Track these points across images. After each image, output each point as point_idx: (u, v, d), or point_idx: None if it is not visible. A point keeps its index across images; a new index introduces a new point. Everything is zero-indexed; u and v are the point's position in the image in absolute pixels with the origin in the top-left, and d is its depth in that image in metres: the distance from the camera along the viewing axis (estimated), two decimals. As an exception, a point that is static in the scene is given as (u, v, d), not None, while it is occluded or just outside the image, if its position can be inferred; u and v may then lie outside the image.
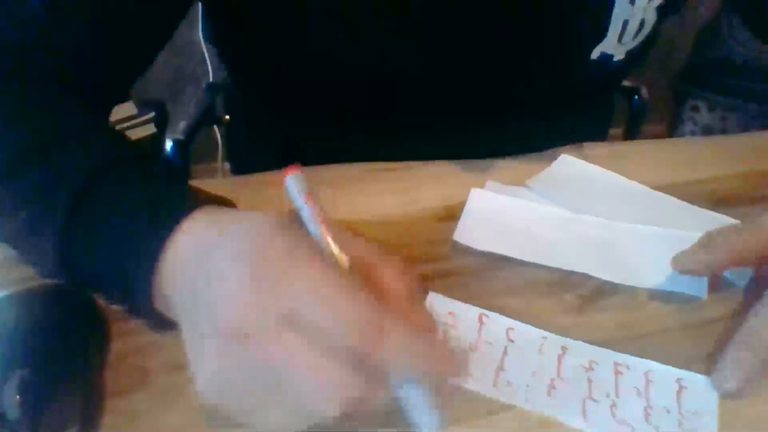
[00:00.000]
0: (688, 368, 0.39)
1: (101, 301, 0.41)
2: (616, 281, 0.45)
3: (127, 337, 0.40)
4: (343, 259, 0.32)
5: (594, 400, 0.37)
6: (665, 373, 0.39)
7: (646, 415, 0.37)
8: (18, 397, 0.33)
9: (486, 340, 0.41)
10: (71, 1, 0.46)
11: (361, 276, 0.32)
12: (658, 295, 0.44)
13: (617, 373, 0.39)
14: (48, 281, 0.42)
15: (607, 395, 0.37)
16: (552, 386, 0.38)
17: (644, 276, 0.46)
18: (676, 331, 0.42)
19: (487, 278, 0.45)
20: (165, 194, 0.38)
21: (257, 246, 0.31)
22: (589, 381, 0.38)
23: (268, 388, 0.30)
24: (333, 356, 0.29)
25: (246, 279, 0.30)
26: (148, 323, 0.40)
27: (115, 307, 0.40)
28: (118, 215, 0.37)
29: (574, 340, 0.41)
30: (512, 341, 0.41)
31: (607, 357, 0.40)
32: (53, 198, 0.39)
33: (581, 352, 0.40)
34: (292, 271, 0.30)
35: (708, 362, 0.40)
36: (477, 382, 0.38)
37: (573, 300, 0.44)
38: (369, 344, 0.29)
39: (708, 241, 0.42)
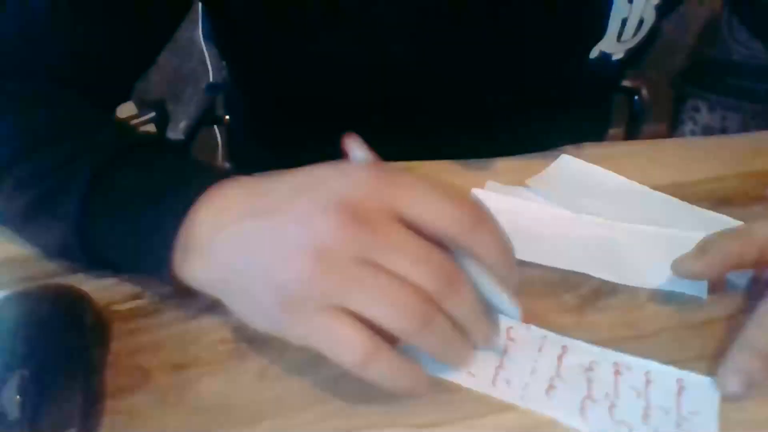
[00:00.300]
0: (689, 368, 0.39)
1: (101, 302, 0.41)
2: (616, 281, 0.45)
3: (127, 337, 0.40)
4: None
5: (593, 400, 0.37)
6: (665, 374, 0.39)
7: (645, 416, 0.36)
8: (18, 397, 0.33)
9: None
10: (72, 0, 0.46)
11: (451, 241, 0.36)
12: (658, 295, 0.44)
13: (617, 373, 0.39)
14: (48, 281, 0.42)
15: (606, 395, 0.37)
16: (551, 386, 0.38)
17: (644, 276, 0.46)
18: (676, 331, 0.42)
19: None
20: (189, 165, 0.41)
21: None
22: (589, 381, 0.38)
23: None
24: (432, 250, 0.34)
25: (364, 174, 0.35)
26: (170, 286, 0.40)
27: (115, 307, 0.40)
28: (141, 187, 0.40)
29: (575, 339, 0.41)
30: (512, 340, 0.40)
31: (607, 357, 0.40)
32: (71, 176, 0.40)
33: (581, 351, 0.40)
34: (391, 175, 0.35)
35: (708, 362, 0.40)
36: (475, 380, 0.38)
37: (573, 300, 0.44)
38: (468, 232, 0.35)
39: (705, 247, 0.42)
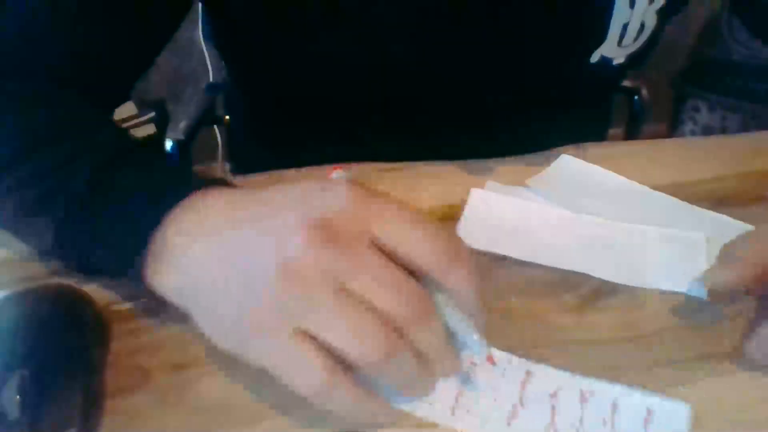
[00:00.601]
0: (690, 368, 0.39)
1: (101, 301, 0.41)
2: (616, 281, 0.45)
3: (127, 337, 0.40)
4: None
5: (556, 430, 0.36)
6: (632, 400, 0.37)
7: None
8: (18, 397, 0.33)
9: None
10: (71, 1, 0.46)
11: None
12: (658, 295, 0.44)
13: (583, 400, 0.37)
14: (48, 281, 0.42)
15: (572, 425, 0.36)
16: (513, 414, 0.36)
17: (644, 276, 0.46)
18: (676, 331, 0.42)
19: (487, 278, 0.45)
20: (174, 172, 0.40)
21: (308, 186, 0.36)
22: (553, 408, 0.36)
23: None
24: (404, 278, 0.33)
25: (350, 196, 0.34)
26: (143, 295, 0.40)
27: (115, 307, 0.40)
28: (120, 193, 0.39)
29: (538, 363, 0.39)
30: (474, 364, 0.38)
31: (573, 383, 0.38)
32: (60, 181, 0.40)
33: (546, 377, 0.38)
34: (374, 200, 0.34)
35: (708, 362, 0.40)
36: (434, 410, 0.36)
37: (573, 300, 0.44)
38: (445, 266, 0.34)
39: (732, 255, 0.41)
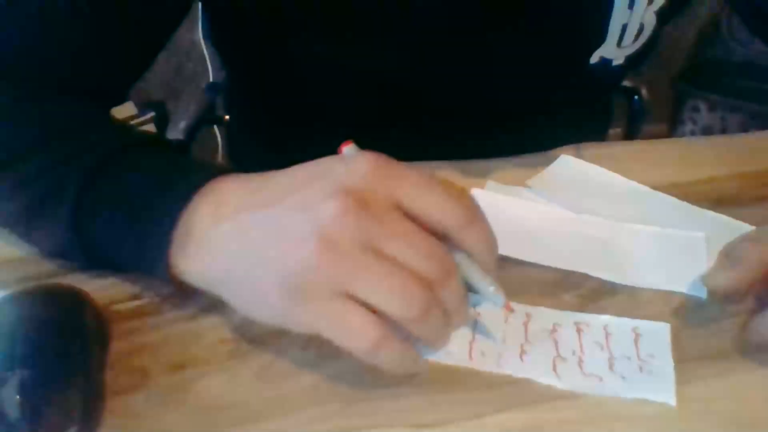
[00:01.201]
0: (690, 368, 0.39)
1: (101, 301, 0.41)
2: (616, 281, 0.45)
3: (127, 337, 0.40)
4: None
5: (562, 358, 0.40)
6: (621, 324, 0.42)
7: (611, 366, 0.39)
8: (18, 397, 0.33)
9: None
10: (70, 2, 0.46)
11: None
12: (658, 295, 0.44)
13: (579, 330, 0.41)
14: (48, 281, 0.42)
15: (573, 353, 0.40)
16: (523, 351, 0.40)
17: (644, 276, 0.46)
18: (676, 331, 0.42)
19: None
20: (186, 163, 0.41)
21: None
22: (555, 342, 0.41)
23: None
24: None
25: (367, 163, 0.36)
26: (163, 280, 0.40)
27: (115, 307, 0.40)
28: (137, 185, 0.40)
29: (535, 306, 0.43)
30: (479, 314, 0.42)
31: (567, 318, 0.42)
32: (65, 177, 0.40)
33: (543, 316, 0.43)
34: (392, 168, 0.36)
35: (709, 362, 0.40)
36: (453, 356, 0.40)
37: (573, 300, 0.44)
38: (464, 226, 0.36)
39: (731, 258, 0.42)
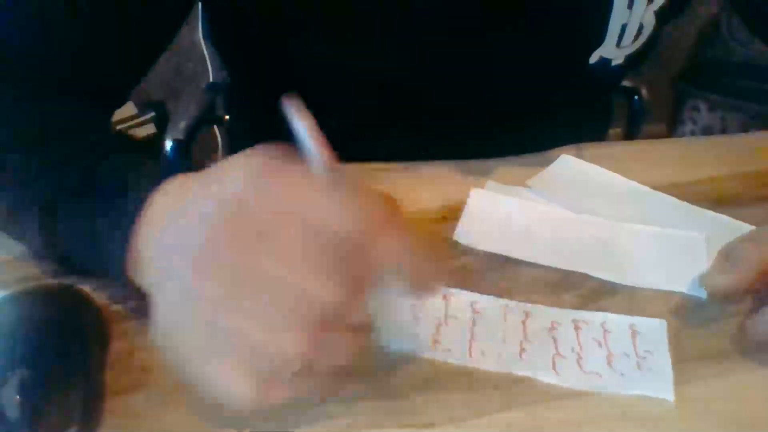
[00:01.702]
0: (690, 368, 0.39)
1: (101, 301, 0.41)
2: (616, 281, 0.45)
3: (127, 337, 0.40)
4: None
5: (562, 356, 0.40)
6: (619, 322, 0.42)
7: (609, 362, 0.40)
8: (18, 397, 0.33)
9: (453, 316, 0.42)
10: (70, 3, 0.46)
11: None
12: (658, 295, 0.44)
13: (577, 328, 0.42)
14: (48, 281, 0.42)
15: (572, 350, 0.40)
16: (522, 349, 0.40)
17: (644, 276, 0.46)
18: (677, 330, 0.42)
19: (487, 278, 0.45)
20: (140, 173, 0.39)
21: (240, 168, 0.33)
22: (554, 339, 0.41)
23: (230, 325, 0.30)
24: (323, 252, 0.30)
25: (241, 185, 0.31)
26: (132, 300, 0.40)
27: (115, 307, 0.40)
28: (91, 197, 0.39)
29: (533, 304, 0.43)
30: (478, 313, 0.43)
31: (566, 316, 0.42)
32: (33, 192, 0.40)
33: (542, 314, 0.43)
34: (289, 176, 0.32)
35: (708, 362, 0.40)
36: (453, 354, 0.40)
37: (573, 300, 0.44)
38: (369, 236, 0.30)
39: (729, 258, 0.42)
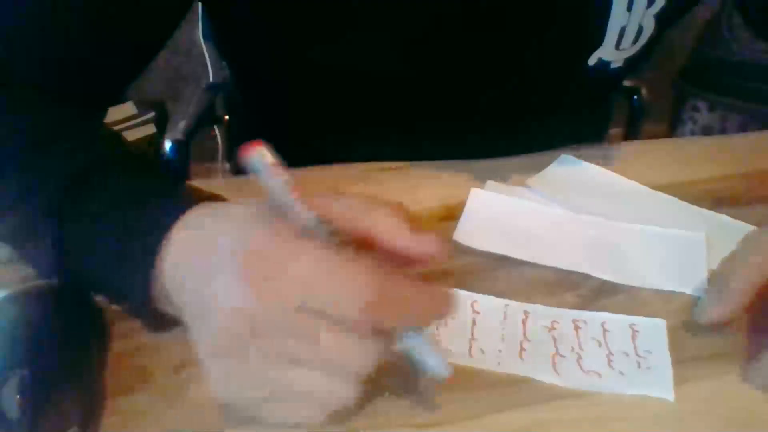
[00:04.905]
0: (689, 368, 0.39)
1: (101, 301, 0.41)
2: (616, 281, 0.45)
3: (127, 337, 0.40)
4: (314, 216, 0.32)
5: (561, 356, 0.40)
6: (618, 321, 0.42)
7: (609, 362, 0.40)
8: (18, 397, 0.33)
9: (453, 316, 0.41)
10: (67, 1, 0.46)
11: (349, 229, 0.33)
12: (658, 295, 0.44)
13: (576, 328, 0.42)
14: (48, 281, 0.42)
15: (572, 350, 0.40)
16: (522, 348, 0.40)
17: (644, 276, 0.46)
18: (676, 331, 0.42)
19: (487, 278, 0.45)
20: (157, 194, 0.38)
21: (242, 241, 0.32)
22: (554, 339, 0.41)
23: (282, 383, 0.32)
24: (343, 331, 0.31)
25: (242, 277, 0.31)
26: (147, 323, 0.40)
27: (115, 306, 0.40)
28: (111, 217, 0.38)
29: (533, 304, 0.43)
30: (478, 313, 0.43)
31: (565, 315, 0.43)
32: (43, 201, 0.39)
33: (542, 314, 0.43)
34: (285, 257, 0.31)
35: (708, 362, 0.40)
36: (453, 355, 0.40)
37: (573, 300, 0.44)
38: (376, 313, 0.31)
39: (720, 287, 0.42)
